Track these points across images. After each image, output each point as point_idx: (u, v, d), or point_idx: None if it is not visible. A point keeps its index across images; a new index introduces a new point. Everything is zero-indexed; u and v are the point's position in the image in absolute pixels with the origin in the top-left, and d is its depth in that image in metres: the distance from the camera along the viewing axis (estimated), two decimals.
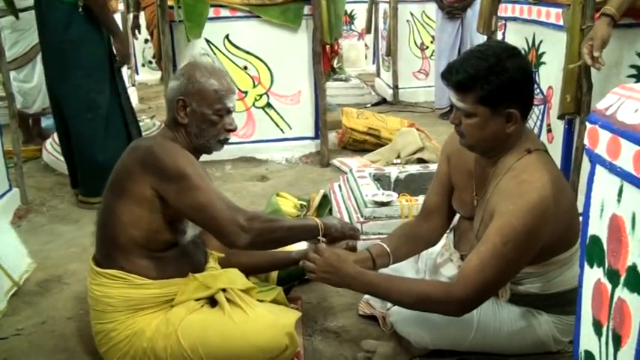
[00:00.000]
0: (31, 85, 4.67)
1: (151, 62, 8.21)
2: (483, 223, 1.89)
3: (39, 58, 4.31)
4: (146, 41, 8.10)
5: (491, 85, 1.76)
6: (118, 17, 6.34)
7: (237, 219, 1.87)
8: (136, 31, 6.19)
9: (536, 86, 3.19)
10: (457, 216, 2.22)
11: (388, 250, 2.14)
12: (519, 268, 1.87)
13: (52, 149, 4.47)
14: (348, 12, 8.93)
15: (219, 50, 4.48)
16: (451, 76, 1.82)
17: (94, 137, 3.57)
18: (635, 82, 2.64)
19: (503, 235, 1.74)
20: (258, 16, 4.46)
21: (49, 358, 2.22)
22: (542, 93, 3.15)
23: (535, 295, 1.99)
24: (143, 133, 4.42)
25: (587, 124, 1.23)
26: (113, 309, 1.95)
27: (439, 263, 2.18)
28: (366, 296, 2.37)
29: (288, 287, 2.53)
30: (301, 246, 2.35)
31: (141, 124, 4.74)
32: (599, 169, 1.22)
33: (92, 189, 3.60)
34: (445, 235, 2.26)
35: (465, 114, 1.83)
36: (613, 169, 1.14)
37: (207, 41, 4.45)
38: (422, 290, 1.84)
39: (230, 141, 2.15)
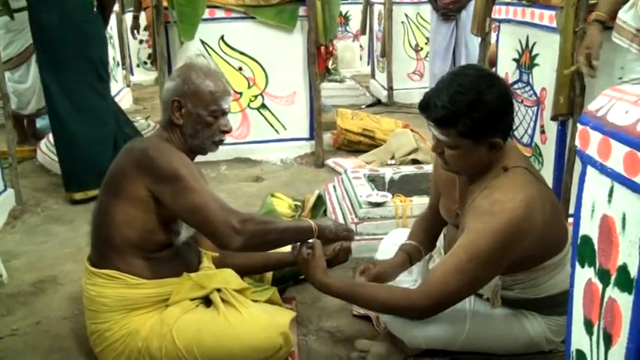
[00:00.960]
0: (25, 86, 4.66)
1: (145, 63, 8.20)
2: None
3: (34, 58, 4.34)
4: (141, 42, 8.10)
5: (474, 120, 1.74)
6: (112, 18, 6.36)
7: (230, 221, 1.87)
8: (135, 32, 6.21)
9: (529, 88, 3.21)
10: None
11: (420, 247, 2.21)
12: (484, 283, 1.88)
13: (46, 150, 4.47)
14: (343, 13, 8.95)
15: (214, 51, 4.49)
16: (430, 110, 1.78)
17: (98, 134, 3.69)
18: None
19: (468, 252, 1.75)
20: (253, 17, 4.48)
21: (44, 358, 2.22)
22: (536, 94, 3.17)
23: (526, 299, 2.00)
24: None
25: (578, 125, 1.24)
26: (108, 309, 1.96)
27: (430, 269, 2.19)
28: None
29: (283, 287, 2.54)
30: None
31: (135, 124, 4.76)
32: (590, 169, 1.23)
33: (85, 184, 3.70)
34: None
35: (448, 146, 1.83)
36: (604, 170, 1.15)
37: (203, 42, 4.46)
38: (384, 297, 1.86)
39: (225, 142, 2.15)
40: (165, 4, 4.24)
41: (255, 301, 2.11)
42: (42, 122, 5.14)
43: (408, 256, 2.18)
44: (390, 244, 2.43)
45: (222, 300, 2.00)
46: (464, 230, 1.84)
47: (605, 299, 1.18)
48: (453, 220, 2.07)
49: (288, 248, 2.28)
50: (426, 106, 1.80)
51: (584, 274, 1.26)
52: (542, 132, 3.13)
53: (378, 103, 6.63)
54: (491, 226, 1.74)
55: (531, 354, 2.09)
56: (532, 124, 3.22)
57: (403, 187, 3.26)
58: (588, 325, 1.26)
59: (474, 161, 1.85)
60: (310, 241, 2.03)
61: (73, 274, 2.79)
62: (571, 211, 2.54)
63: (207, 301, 2.04)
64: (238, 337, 1.92)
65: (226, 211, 1.91)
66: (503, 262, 1.80)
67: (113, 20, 6.44)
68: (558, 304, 1.91)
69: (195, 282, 2.02)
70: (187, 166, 1.94)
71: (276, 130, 4.73)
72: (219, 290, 2.02)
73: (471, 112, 1.74)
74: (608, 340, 1.18)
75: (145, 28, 7.43)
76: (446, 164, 1.90)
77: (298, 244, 2.05)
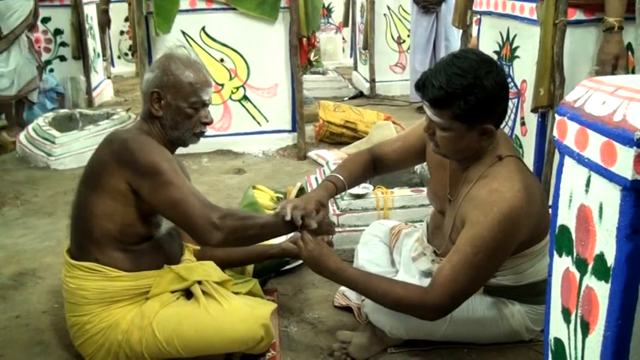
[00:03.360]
0: (8, 69, 4.67)
1: (126, 54, 8.14)
2: (455, 227, 1.90)
3: (17, 41, 4.60)
4: (122, 33, 8.03)
5: (469, 104, 1.75)
6: (92, 8, 6.29)
7: (210, 216, 1.86)
8: (106, 27, 6.17)
9: (510, 80, 3.22)
10: (431, 209, 2.25)
11: (344, 180, 2.15)
12: (492, 274, 1.91)
13: (26, 142, 4.45)
14: (326, 5, 8.94)
15: (196, 42, 4.45)
16: (427, 90, 1.78)
17: None
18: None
19: (474, 246, 1.77)
20: (234, 9, 4.45)
21: (23, 351, 2.21)
22: (516, 86, 3.19)
23: (508, 286, 2.02)
24: (119, 126, 4.39)
25: (556, 116, 1.25)
26: (88, 301, 1.94)
27: (413, 257, 2.19)
28: (342, 288, 2.38)
29: (264, 279, 2.53)
30: (278, 240, 2.34)
31: (116, 117, 4.74)
32: (567, 160, 1.24)
33: None
34: (417, 228, 2.29)
35: (440, 127, 1.83)
36: (581, 160, 1.16)
37: (184, 33, 4.43)
38: (398, 294, 1.85)
39: (207, 134, 2.14)
40: None
41: (237, 293, 2.11)
42: (28, 112, 5.17)
43: (335, 189, 2.13)
44: (371, 235, 2.44)
45: (203, 292, 1.99)
46: (460, 220, 1.85)
47: (583, 288, 1.19)
48: (441, 206, 2.08)
49: (270, 242, 2.27)
50: (423, 86, 1.80)
51: (562, 263, 1.27)
52: (523, 124, 3.15)
53: (360, 95, 6.62)
54: (493, 217, 1.76)
55: (512, 343, 2.11)
56: (512, 116, 3.23)
57: (384, 178, 3.26)
58: (566, 314, 1.27)
59: (463, 146, 1.85)
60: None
61: (53, 268, 2.77)
62: (550, 202, 2.56)
63: (188, 294, 2.03)
64: (219, 329, 1.92)
65: (206, 206, 1.89)
66: (507, 250, 1.83)
67: (93, 11, 6.37)
68: (539, 293, 1.92)
69: (176, 274, 2.01)
70: (167, 161, 1.91)
71: (258, 122, 4.71)
72: (200, 282, 2.01)
73: (467, 95, 1.74)
74: (586, 329, 1.19)
75: (126, 19, 7.38)
76: (436, 146, 1.90)
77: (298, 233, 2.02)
